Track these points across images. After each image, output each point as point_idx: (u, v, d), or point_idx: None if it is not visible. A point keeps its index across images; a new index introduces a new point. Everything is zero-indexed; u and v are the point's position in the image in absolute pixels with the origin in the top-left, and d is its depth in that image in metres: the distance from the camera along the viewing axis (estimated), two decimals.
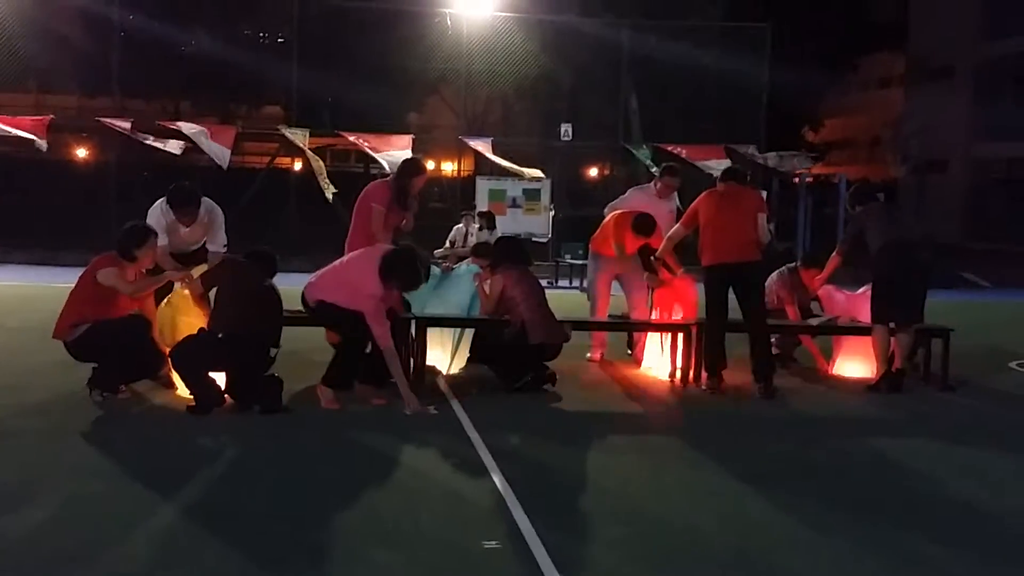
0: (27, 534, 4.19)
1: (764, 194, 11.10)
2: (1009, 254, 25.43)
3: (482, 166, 21.82)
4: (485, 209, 16.42)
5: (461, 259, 13.52)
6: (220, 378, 6.50)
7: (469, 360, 8.06)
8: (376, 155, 18.24)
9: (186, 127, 18.10)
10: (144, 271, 6.96)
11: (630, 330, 8.84)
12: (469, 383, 7.70)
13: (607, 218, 9.01)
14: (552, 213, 18.31)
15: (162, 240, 7.10)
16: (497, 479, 5.20)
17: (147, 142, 17.65)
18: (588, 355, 8.98)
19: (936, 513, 5.01)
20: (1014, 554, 4.43)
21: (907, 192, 32.21)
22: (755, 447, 6.28)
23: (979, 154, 32.10)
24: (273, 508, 4.70)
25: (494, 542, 4.30)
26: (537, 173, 18.17)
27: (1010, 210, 31.00)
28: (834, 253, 8.45)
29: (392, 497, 4.92)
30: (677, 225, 8.21)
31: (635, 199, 9.22)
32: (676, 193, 9.34)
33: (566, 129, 19.52)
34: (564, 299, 11.59)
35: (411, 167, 8.19)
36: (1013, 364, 9.48)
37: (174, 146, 17.46)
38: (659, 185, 9.17)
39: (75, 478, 5.02)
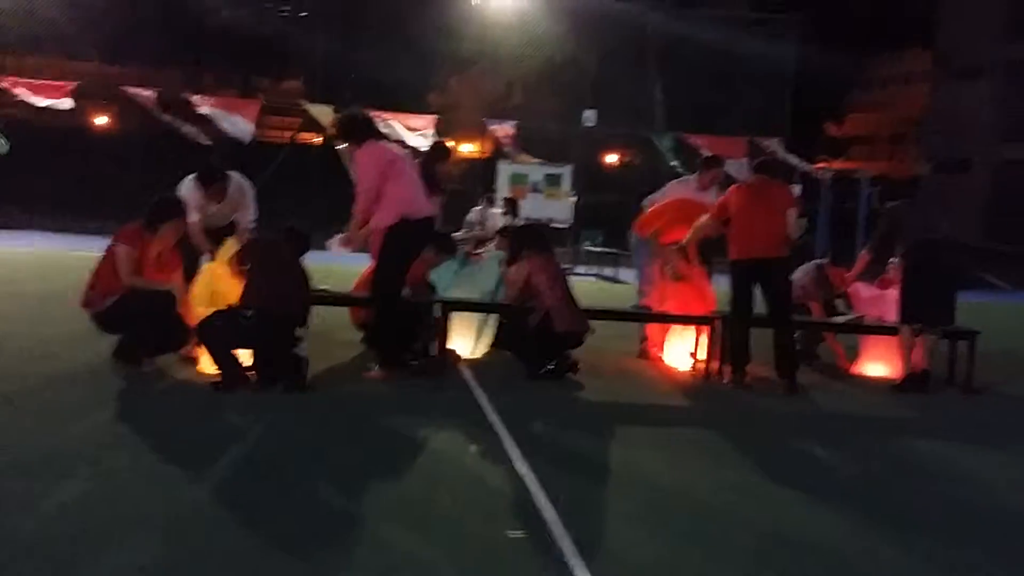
0: (59, 509, 4.17)
1: (798, 188, 10.98)
2: None
3: (503, 149, 21.79)
4: (508, 194, 16.36)
5: (480, 242, 13.54)
6: (245, 355, 6.50)
7: (492, 346, 8.05)
8: (411, 133, 18.22)
9: (204, 107, 18.09)
10: (170, 244, 6.94)
11: (653, 321, 8.76)
12: (492, 369, 7.67)
13: (668, 199, 8.85)
14: (574, 199, 18.23)
15: (193, 217, 7.09)
16: (520, 467, 5.17)
17: (165, 120, 17.71)
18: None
19: (957, 517, 4.96)
20: None
21: (929, 190, 31.96)
22: (778, 444, 6.24)
23: (1004, 154, 31.80)
24: (295, 489, 4.68)
25: (519, 532, 4.27)
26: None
27: None
28: (864, 251, 8.39)
29: (415, 483, 4.90)
30: (705, 216, 8.13)
31: (674, 192, 9.10)
32: (717, 186, 9.15)
33: (589, 115, 19.42)
34: (582, 286, 11.52)
35: (438, 152, 8.19)
36: None
37: (190, 130, 17.51)
38: (700, 177, 9.02)
39: (103, 452, 5.01)
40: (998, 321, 11.68)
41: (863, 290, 8.85)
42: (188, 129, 17.51)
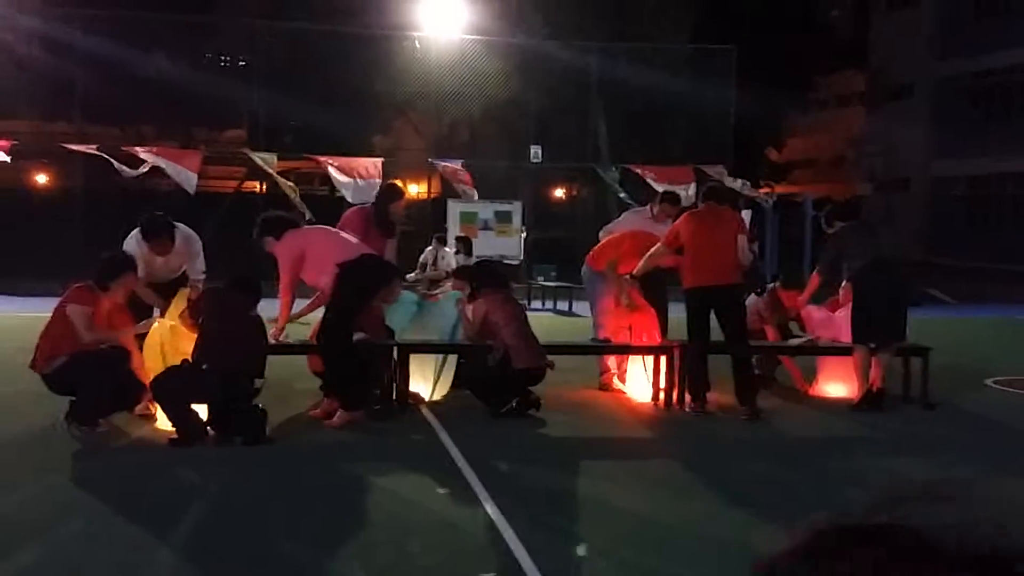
0: None
1: (748, 214, 11.01)
2: (970, 270, 25.78)
3: (449, 188, 21.82)
4: (459, 232, 16.36)
5: (433, 282, 13.50)
6: (201, 409, 6.39)
7: (452, 386, 8.00)
8: (342, 179, 18.13)
9: (148, 156, 17.84)
10: (120, 301, 6.85)
11: (612, 353, 8.74)
12: (454, 410, 7.61)
13: (623, 231, 8.89)
14: (524, 235, 18.29)
15: (139, 271, 6.99)
16: (490, 508, 5.13)
17: (115, 164, 17.42)
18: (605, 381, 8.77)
19: None
20: None
21: (871, 210, 32.56)
22: (745, 471, 6.24)
23: (940, 172, 32.47)
24: (262, 544, 4.60)
25: (491, 574, 4.23)
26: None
27: (970, 226, 31.45)
28: (814, 273, 8.48)
29: (384, 530, 4.83)
30: (658, 245, 8.16)
31: (629, 221, 9.14)
32: (671, 220, 9.21)
33: (536, 151, 19.53)
34: (537, 321, 11.51)
35: (391, 193, 8.21)
36: (989, 381, 9.55)
37: (134, 170, 17.22)
38: (656, 210, 9.03)
39: (59, 517, 4.88)
40: (946, 335, 11.85)
41: (815, 312, 8.92)
42: (126, 171, 17.16)
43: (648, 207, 9.29)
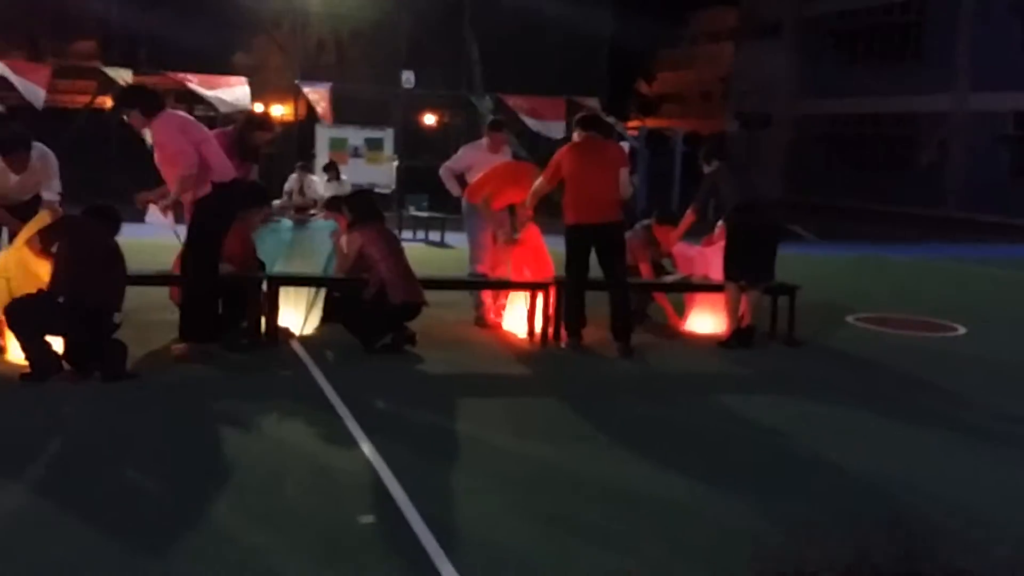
0: None
1: (627, 145, 10.94)
2: (828, 208, 26.72)
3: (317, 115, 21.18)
4: (326, 159, 15.87)
5: (300, 210, 13.09)
6: (57, 342, 6.01)
7: (323, 320, 7.77)
8: (208, 93, 17.40)
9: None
10: None
11: (488, 288, 8.65)
12: (326, 345, 7.39)
13: (491, 167, 8.69)
14: (396, 163, 17.89)
15: None
16: (366, 448, 5.01)
17: None
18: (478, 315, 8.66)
19: (785, 466, 5.13)
20: (863, 505, 4.53)
21: (736, 147, 33.23)
22: (620, 408, 6.26)
23: (803, 110, 33.33)
24: (125, 487, 4.37)
25: (370, 517, 4.13)
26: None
27: (829, 165, 32.50)
28: (688, 210, 8.53)
29: (255, 472, 4.64)
30: (540, 179, 8.04)
31: (468, 156, 8.93)
32: (508, 146, 9.13)
33: (408, 76, 19.08)
34: (410, 252, 11.31)
35: (258, 122, 7.86)
36: (851, 318, 9.88)
37: None
38: (487, 142, 8.89)
39: None
40: (809, 271, 12.16)
41: (687, 250, 9.01)
42: None
43: (483, 139, 9.11)
